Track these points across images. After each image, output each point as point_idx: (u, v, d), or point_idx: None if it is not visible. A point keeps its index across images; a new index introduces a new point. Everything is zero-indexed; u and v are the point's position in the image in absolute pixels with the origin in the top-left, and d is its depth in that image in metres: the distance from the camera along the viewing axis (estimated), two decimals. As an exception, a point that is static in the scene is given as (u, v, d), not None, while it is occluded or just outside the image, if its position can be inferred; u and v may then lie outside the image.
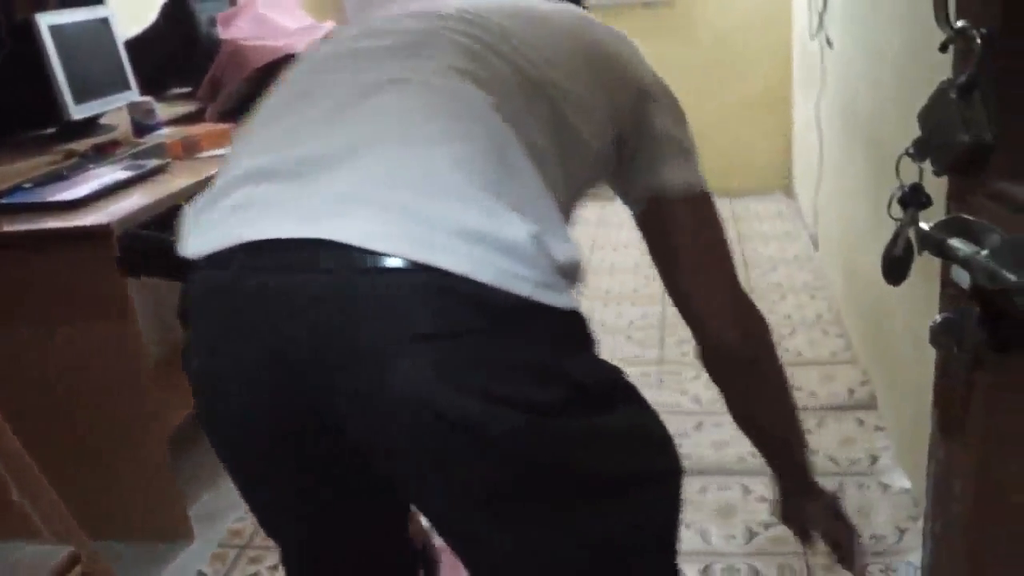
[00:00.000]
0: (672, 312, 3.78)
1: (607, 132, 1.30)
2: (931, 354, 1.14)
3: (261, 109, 1.25)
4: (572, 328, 1.07)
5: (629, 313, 4.00)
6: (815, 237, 4.46)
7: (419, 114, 1.09)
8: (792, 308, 3.87)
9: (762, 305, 3.69)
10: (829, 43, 3.76)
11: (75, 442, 2.61)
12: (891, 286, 1.14)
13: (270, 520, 1.33)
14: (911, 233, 1.06)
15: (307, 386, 1.02)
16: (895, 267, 1.11)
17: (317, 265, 0.99)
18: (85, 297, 2.48)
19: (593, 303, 4.15)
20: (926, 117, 1.02)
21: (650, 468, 1.18)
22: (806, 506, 1.67)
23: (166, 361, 3.37)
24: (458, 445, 0.98)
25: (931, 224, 1.03)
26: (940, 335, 1.05)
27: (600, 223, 5.32)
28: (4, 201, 2.60)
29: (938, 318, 1.05)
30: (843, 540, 1.65)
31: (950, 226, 1.02)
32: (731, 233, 4.76)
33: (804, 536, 1.70)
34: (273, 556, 2.57)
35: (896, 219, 1.08)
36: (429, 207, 0.99)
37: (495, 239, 0.97)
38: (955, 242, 0.99)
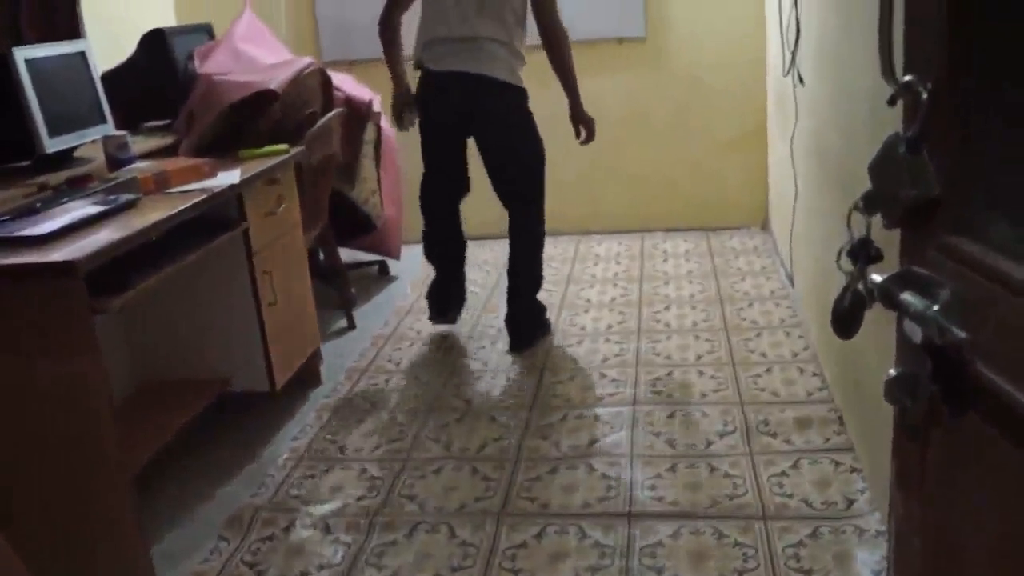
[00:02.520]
0: (646, 348, 3.80)
1: None
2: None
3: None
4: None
5: (603, 350, 3.99)
6: (791, 273, 4.46)
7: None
8: (768, 346, 3.86)
9: (737, 342, 3.71)
10: (801, 80, 3.77)
11: (35, 480, 2.57)
12: (842, 340, 1.12)
13: (434, 156, 4.10)
14: (860, 286, 1.04)
15: (466, 109, 3.89)
16: (844, 320, 1.09)
17: (469, 77, 3.82)
18: (50, 333, 2.45)
19: (567, 339, 4.14)
20: (876, 170, 1.01)
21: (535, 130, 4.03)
22: (579, 112, 4.06)
23: (133, 399, 3.34)
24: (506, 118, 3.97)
25: (884, 276, 1.02)
26: (894, 390, 1.03)
27: (577, 258, 5.32)
28: (-26, 235, 2.57)
29: (892, 372, 1.03)
30: (593, 127, 4.09)
31: (903, 279, 1.00)
32: (707, 268, 4.80)
33: (579, 129, 4.11)
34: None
35: (846, 272, 1.06)
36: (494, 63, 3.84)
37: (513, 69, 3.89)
38: (907, 296, 0.98)
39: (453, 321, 4.40)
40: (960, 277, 0.93)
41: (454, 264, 4.32)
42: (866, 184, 1.07)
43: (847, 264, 1.06)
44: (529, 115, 3.94)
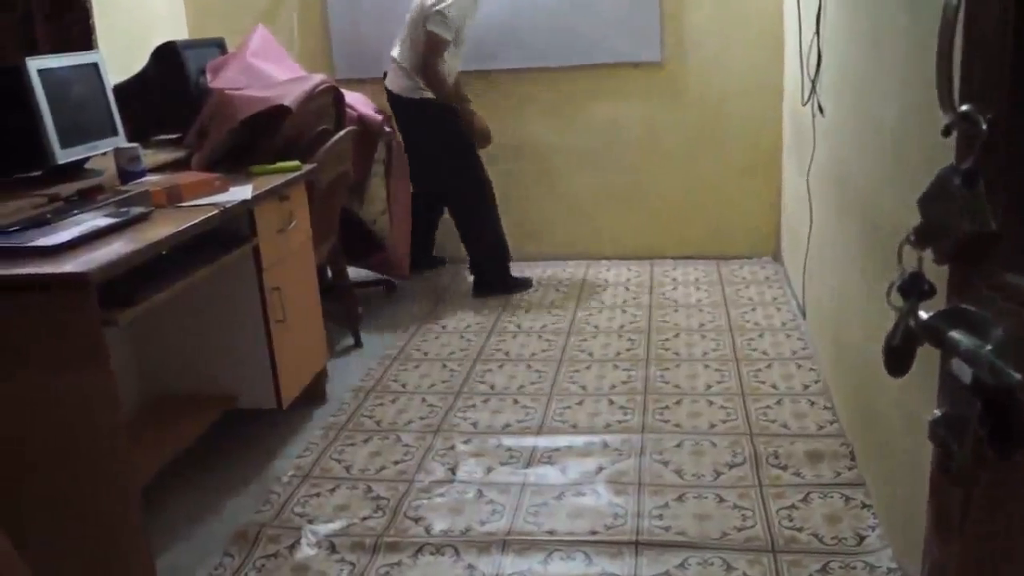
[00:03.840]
0: (655, 376, 3.75)
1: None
2: (923, 432, 1.09)
3: None
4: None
5: (612, 376, 3.95)
6: (803, 305, 4.43)
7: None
8: (778, 377, 3.82)
9: (748, 373, 3.66)
10: (820, 110, 3.75)
11: (42, 492, 2.53)
12: (894, 378, 1.09)
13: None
14: (911, 323, 1.01)
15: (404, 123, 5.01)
16: (895, 358, 1.05)
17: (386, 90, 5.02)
18: (60, 344, 2.42)
19: (575, 365, 4.10)
20: (927, 204, 0.98)
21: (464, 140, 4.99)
22: (474, 120, 4.96)
23: (140, 413, 3.31)
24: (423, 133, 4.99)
25: (931, 313, 0.99)
26: (939, 431, 1.00)
27: (585, 284, 5.29)
28: (-16, 244, 2.55)
29: (937, 413, 1.00)
30: (487, 130, 5.02)
31: (951, 317, 0.97)
32: (718, 297, 4.76)
33: (482, 139, 5.03)
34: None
35: (895, 308, 1.03)
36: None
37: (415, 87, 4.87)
38: (956, 334, 0.94)
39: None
40: (1015, 316, 0.90)
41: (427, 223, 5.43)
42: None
43: (897, 300, 1.02)
44: (435, 121, 4.86)
